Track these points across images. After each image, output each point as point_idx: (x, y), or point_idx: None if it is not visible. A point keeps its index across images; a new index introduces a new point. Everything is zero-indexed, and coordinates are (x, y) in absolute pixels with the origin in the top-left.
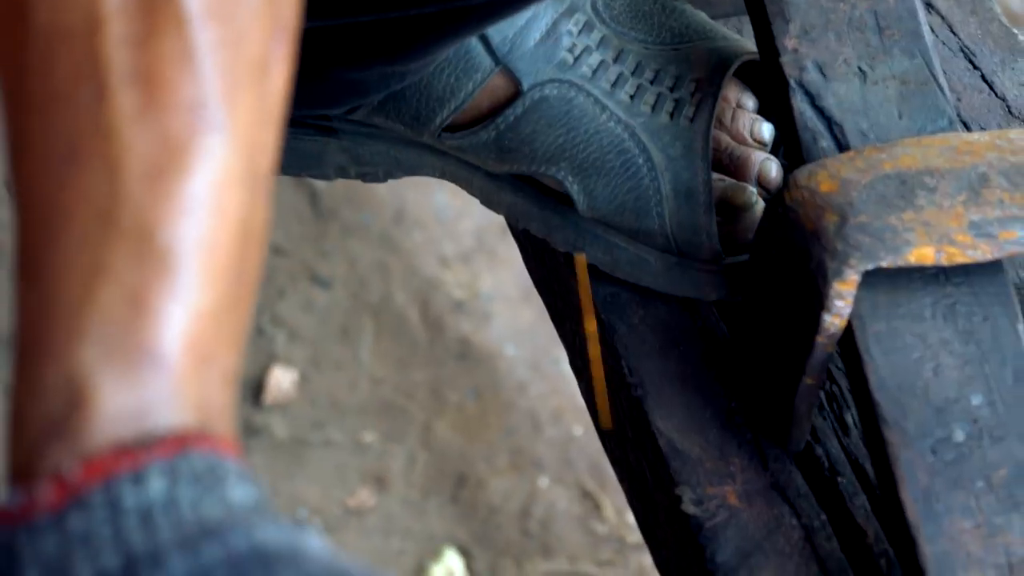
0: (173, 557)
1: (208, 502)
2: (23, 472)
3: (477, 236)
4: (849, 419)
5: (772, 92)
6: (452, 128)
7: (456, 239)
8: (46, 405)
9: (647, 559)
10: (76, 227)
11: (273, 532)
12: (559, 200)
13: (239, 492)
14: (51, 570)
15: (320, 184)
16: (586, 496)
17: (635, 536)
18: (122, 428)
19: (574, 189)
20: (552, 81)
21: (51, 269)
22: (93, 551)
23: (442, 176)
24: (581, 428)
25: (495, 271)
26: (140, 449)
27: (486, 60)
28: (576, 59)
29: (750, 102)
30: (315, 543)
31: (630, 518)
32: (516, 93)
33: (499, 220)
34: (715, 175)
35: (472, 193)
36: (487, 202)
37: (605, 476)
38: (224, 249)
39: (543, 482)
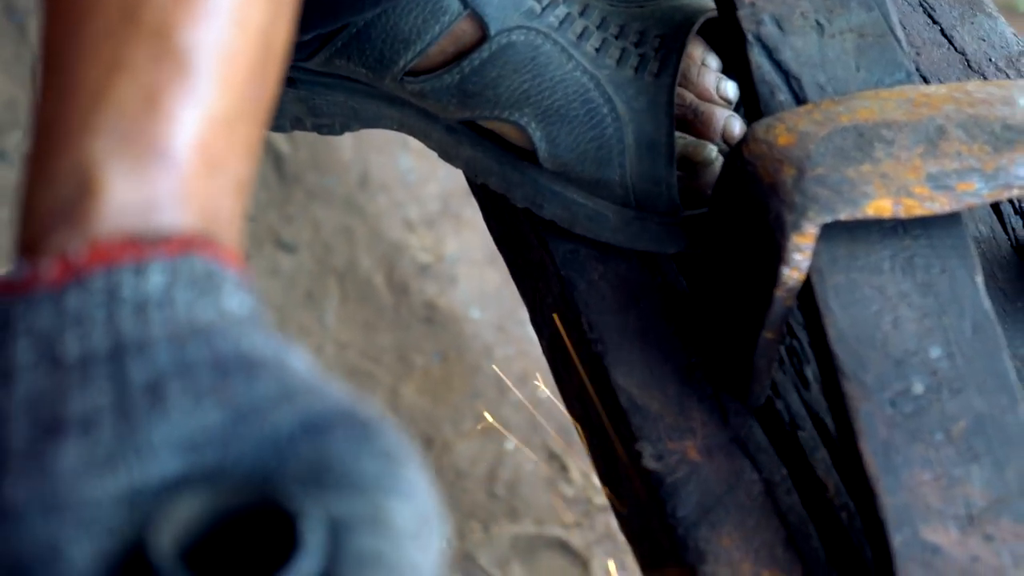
0: (160, 349)
1: (202, 305)
2: (28, 250)
3: (442, 200)
4: (809, 373)
5: (730, 46)
6: (415, 72)
7: (421, 203)
8: (56, 190)
9: (614, 521)
10: (99, 20)
11: (261, 342)
12: (519, 155)
13: (234, 300)
14: (41, 342)
15: (285, 148)
16: (553, 458)
17: (602, 498)
18: (128, 221)
19: (536, 136)
20: (519, 28)
21: (71, 60)
22: (85, 331)
23: (400, 128)
24: (547, 391)
25: (460, 235)
26: (144, 243)
27: (454, 3)
28: (543, 9)
29: (714, 61)
30: (301, 359)
31: (597, 480)
32: (483, 38)
33: (464, 184)
34: (677, 133)
35: (430, 146)
36: (446, 156)
37: (572, 438)
38: (243, 59)
39: (509, 445)
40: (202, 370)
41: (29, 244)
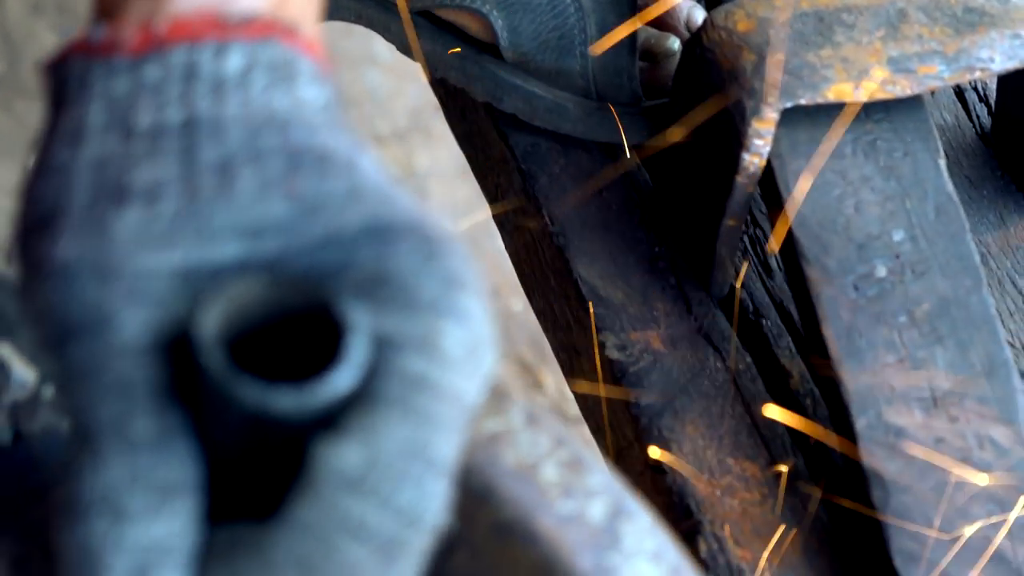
0: (233, 131)
1: (279, 92)
2: (106, 15)
3: (412, 115)
4: (773, 262)
5: None
6: None
7: (390, 118)
8: None
9: (587, 432)
10: None
11: (335, 137)
12: (479, 48)
13: (312, 91)
14: (115, 108)
15: None
16: (525, 370)
17: (575, 409)
18: (209, 1)
19: (498, 24)
20: None
21: None
22: (160, 102)
23: (358, 20)
24: (520, 303)
25: (431, 149)
26: (226, 24)
27: None
28: None
29: None
30: (374, 161)
31: (569, 392)
32: None
33: (433, 99)
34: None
35: (389, 40)
36: (404, 49)
37: (544, 351)
38: None
39: None
40: (273, 158)
41: (107, 9)
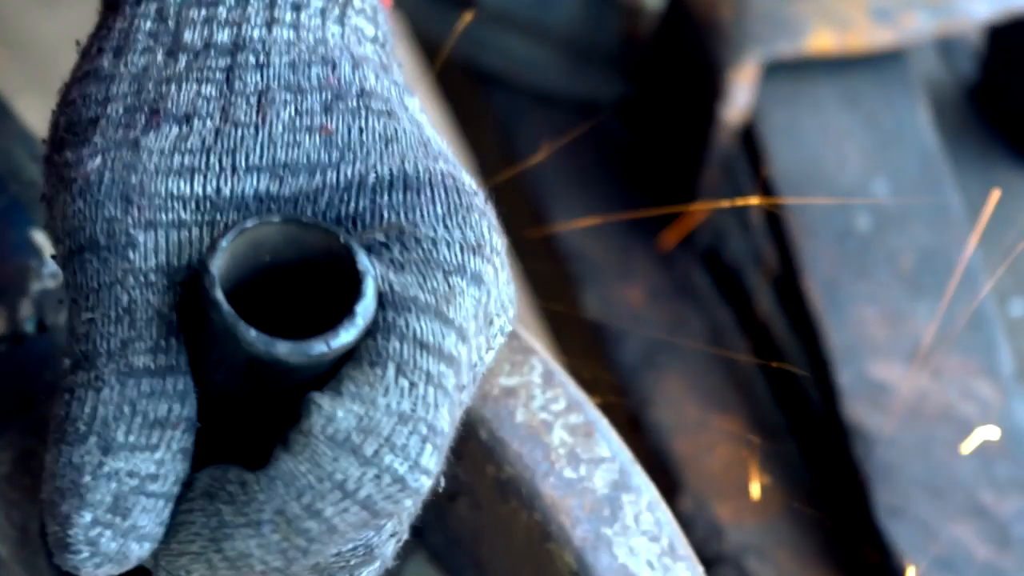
0: (279, 63)
1: (332, 22)
2: None
3: None
4: (753, 217)
5: None
6: None
7: None
8: None
9: None
10: None
11: (380, 77)
12: (456, 2)
13: (366, 25)
14: (164, 20)
15: None
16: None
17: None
18: None
19: None
20: None
21: None
22: (210, 19)
23: None
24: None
25: None
26: None
27: None
28: None
29: None
30: (418, 107)
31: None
32: None
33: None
34: None
35: None
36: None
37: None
38: None
39: None
40: (313, 94)
41: None
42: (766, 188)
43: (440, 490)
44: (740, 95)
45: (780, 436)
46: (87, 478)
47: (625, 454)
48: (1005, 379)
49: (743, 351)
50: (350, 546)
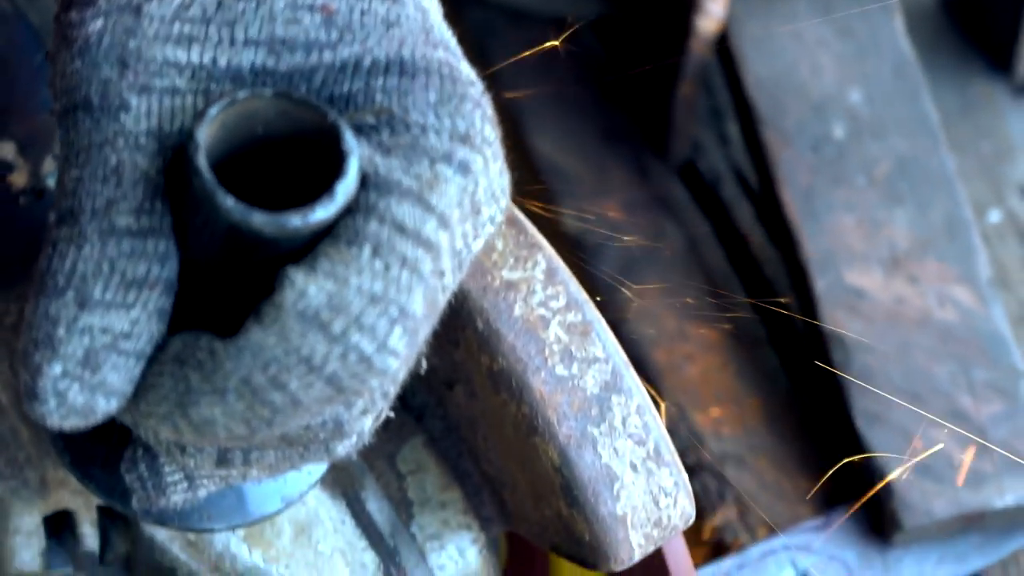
0: None
1: None
2: None
3: None
4: (730, 130)
5: None
6: None
7: None
8: None
9: None
10: None
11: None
12: None
13: None
14: None
15: None
16: None
17: None
18: None
19: None
20: None
21: None
22: None
23: None
24: None
25: None
26: None
27: None
28: None
29: None
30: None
31: None
32: None
33: None
34: None
35: None
36: None
37: None
38: None
39: None
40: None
41: None
42: (742, 99)
43: (422, 372)
44: (715, 6)
45: (759, 346)
46: (61, 331)
47: (619, 356)
48: (982, 285)
49: (721, 263)
50: (318, 420)
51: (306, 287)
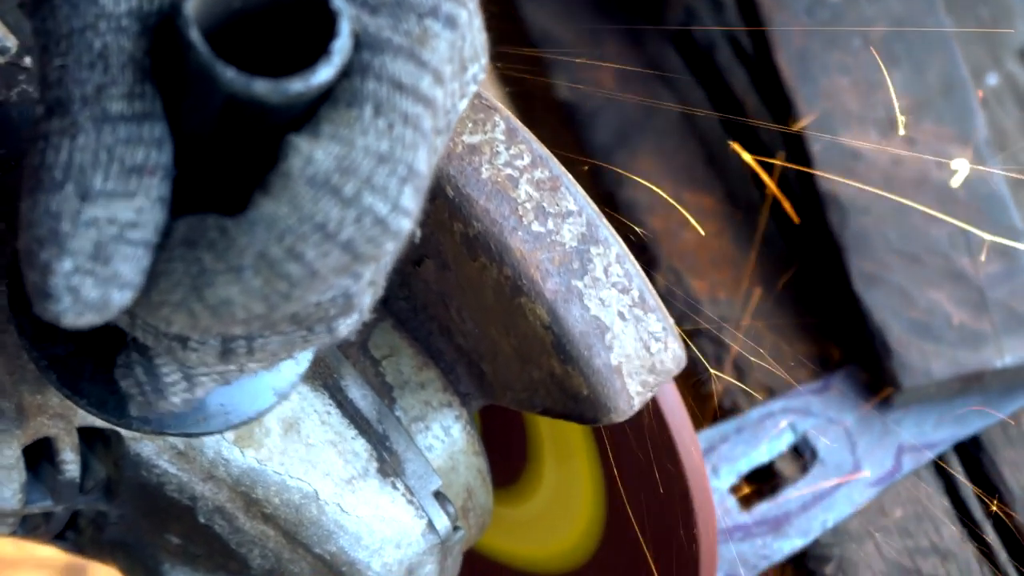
0: None
1: None
2: None
3: None
4: None
5: None
6: None
7: None
8: None
9: None
10: None
11: None
12: None
13: None
14: None
15: None
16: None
17: None
18: None
19: None
20: None
21: None
22: None
23: None
24: None
25: None
26: None
27: None
28: None
29: None
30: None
31: None
32: None
33: None
34: None
35: None
36: None
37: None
38: None
39: None
40: None
41: None
42: None
43: (416, 241)
44: None
45: (755, 211)
46: (66, 226)
47: (591, 208)
48: (980, 146)
49: (717, 129)
50: (329, 295)
51: (312, 152)
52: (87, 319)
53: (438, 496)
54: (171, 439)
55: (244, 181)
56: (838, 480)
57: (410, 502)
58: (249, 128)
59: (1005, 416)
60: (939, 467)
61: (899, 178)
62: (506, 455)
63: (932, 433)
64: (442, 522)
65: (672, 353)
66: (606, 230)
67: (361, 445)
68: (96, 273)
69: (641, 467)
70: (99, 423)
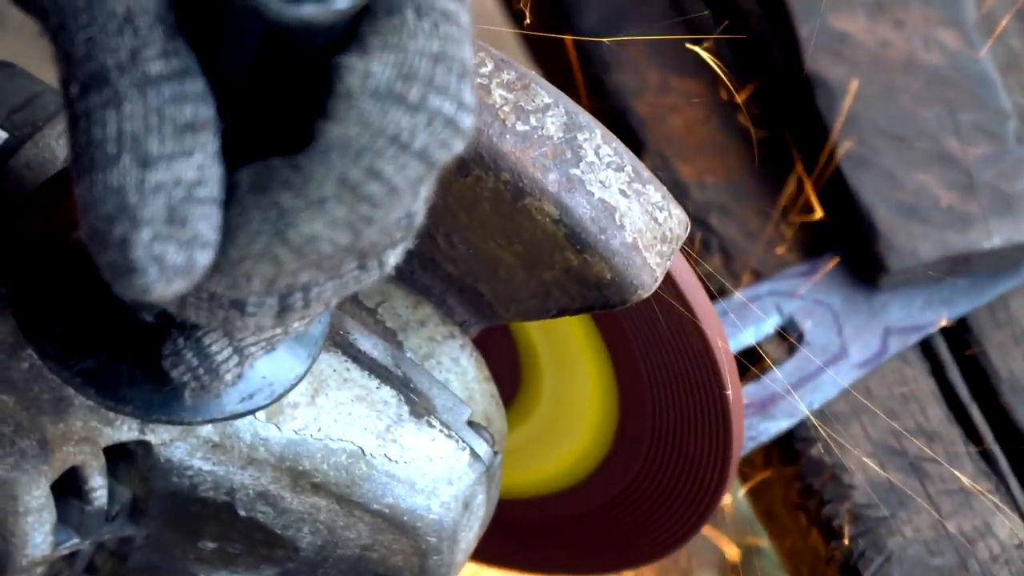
0: None
1: None
2: None
3: None
4: None
5: None
6: None
7: None
8: None
9: None
10: None
11: None
12: None
13: None
14: None
15: None
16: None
17: None
18: None
19: None
20: None
21: None
22: None
23: None
24: None
25: None
26: None
27: None
28: None
29: None
30: None
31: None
32: None
33: None
34: None
35: None
36: None
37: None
38: None
39: None
40: None
41: None
42: None
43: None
44: None
45: (741, 94)
46: (133, 197)
47: (565, 97)
48: (968, 28)
49: (705, 17)
50: (400, 215)
51: (368, 66)
52: (176, 286)
53: (472, 425)
54: (204, 434)
55: (290, 121)
56: (824, 361)
57: (449, 436)
58: (288, 63)
59: (993, 299)
60: (925, 349)
61: (887, 60)
62: (497, 383)
63: (920, 316)
64: (483, 448)
65: (677, 218)
66: (585, 115)
67: (388, 393)
68: (176, 237)
69: (658, 341)
70: (125, 438)
